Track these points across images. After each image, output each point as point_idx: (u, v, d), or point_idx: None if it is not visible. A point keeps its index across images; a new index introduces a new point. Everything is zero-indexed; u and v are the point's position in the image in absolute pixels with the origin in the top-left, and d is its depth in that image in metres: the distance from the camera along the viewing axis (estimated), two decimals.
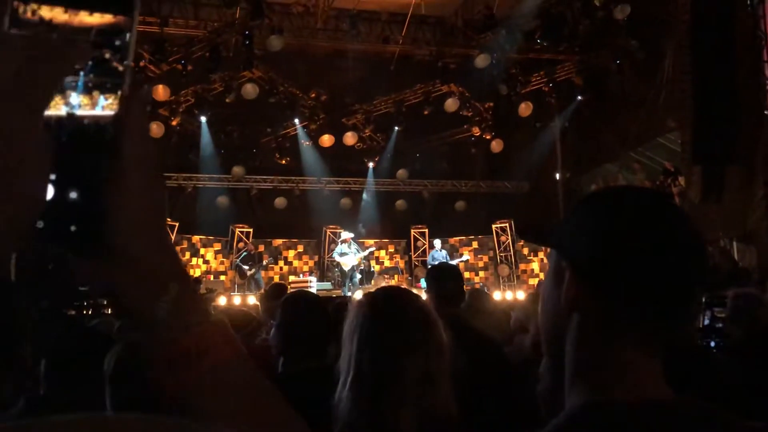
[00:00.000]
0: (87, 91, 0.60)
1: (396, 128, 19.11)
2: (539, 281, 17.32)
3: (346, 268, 16.04)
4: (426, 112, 18.66)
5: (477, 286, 16.57)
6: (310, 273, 18.21)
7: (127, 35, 0.61)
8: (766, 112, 12.78)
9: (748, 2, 13.30)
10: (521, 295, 13.85)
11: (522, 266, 19.13)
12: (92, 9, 0.59)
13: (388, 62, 18.38)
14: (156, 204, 0.66)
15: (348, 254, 16.06)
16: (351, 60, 17.91)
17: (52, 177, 0.57)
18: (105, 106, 0.60)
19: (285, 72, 17.64)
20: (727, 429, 0.98)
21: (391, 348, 1.94)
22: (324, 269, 18.77)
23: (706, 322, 4.37)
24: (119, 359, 1.76)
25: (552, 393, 1.12)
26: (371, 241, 18.86)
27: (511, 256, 18.95)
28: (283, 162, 19.17)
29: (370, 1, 17.03)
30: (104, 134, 0.60)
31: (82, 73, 0.60)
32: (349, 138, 18.79)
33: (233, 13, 15.69)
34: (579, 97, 18.24)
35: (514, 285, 18.17)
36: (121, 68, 0.61)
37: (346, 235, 16.57)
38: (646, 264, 1.00)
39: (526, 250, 19.11)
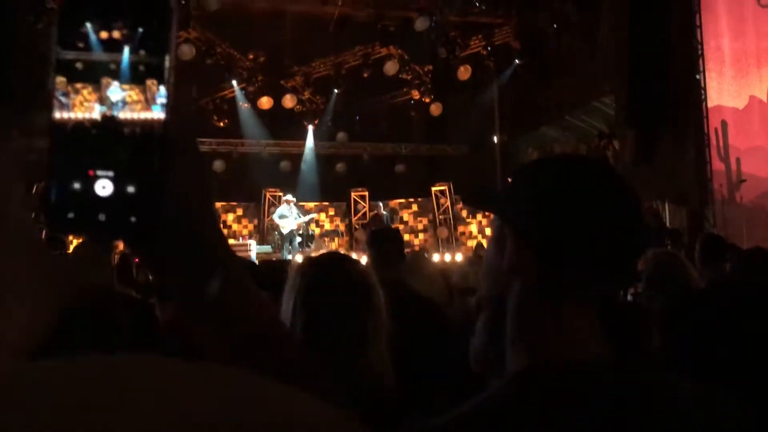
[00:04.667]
0: (133, 80, 0.63)
1: (335, 91, 18.94)
2: (477, 243, 17.57)
3: (285, 231, 15.88)
4: (365, 75, 18.53)
5: (416, 248, 16.68)
6: (250, 236, 18.00)
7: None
8: (697, 76, 13.10)
9: None
10: (459, 257, 14.01)
11: (461, 228, 19.31)
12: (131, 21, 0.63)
13: (327, 24, 18.12)
14: (203, 184, 0.69)
15: (288, 217, 15.88)
16: (289, 21, 17.60)
17: (110, 174, 0.61)
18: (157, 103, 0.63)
19: (222, 33, 17.26)
20: (670, 390, 1.00)
21: (326, 311, 1.96)
22: (264, 233, 18.57)
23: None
24: None
25: (487, 351, 1.14)
26: (312, 204, 18.77)
27: (450, 218, 19.10)
28: (221, 124, 18.78)
29: None
30: (156, 130, 0.63)
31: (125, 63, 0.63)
32: (288, 100, 18.56)
33: None
34: (516, 61, 18.36)
35: (453, 247, 18.33)
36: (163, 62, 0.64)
37: (288, 197, 16.41)
38: (586, 229, 1.02)
39: (464, 213, 19.28)
